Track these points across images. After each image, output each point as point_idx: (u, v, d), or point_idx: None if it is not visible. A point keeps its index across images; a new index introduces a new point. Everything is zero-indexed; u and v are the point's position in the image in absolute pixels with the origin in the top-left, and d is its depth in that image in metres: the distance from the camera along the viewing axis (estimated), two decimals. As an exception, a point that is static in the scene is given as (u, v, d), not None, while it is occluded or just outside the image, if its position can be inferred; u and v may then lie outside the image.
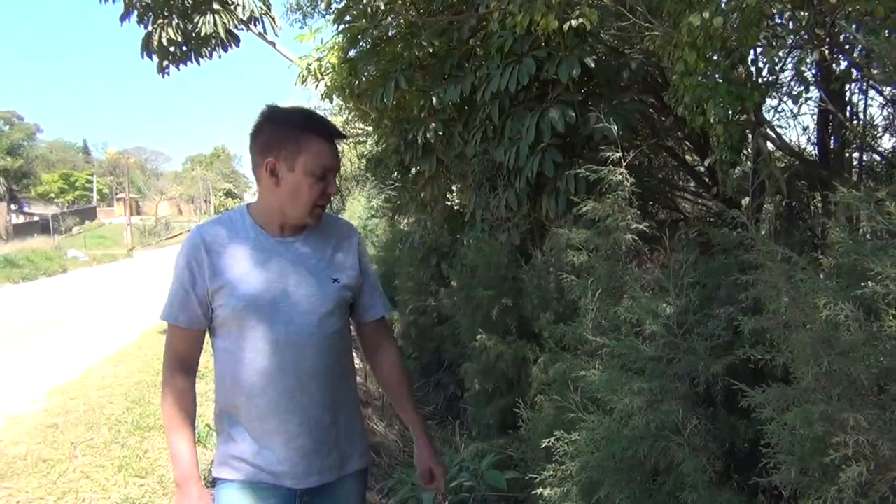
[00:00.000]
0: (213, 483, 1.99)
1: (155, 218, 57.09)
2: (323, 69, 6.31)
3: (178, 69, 8.06)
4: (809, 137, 5.52)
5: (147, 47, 7.89)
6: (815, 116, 5.10)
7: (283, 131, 1.86)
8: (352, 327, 2.12)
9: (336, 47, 6.30)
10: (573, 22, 3.27)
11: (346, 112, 7.99)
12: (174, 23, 7.52)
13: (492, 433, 3.61)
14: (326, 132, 1.87)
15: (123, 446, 5.50)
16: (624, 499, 1.70)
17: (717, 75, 2.94)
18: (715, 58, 2.91)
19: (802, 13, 2.85)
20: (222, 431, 1.96)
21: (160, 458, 5.18)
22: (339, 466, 1.97)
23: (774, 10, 2.74)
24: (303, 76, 6.43)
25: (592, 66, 4.36)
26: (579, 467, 2.08)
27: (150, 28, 7.83)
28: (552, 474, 2.21)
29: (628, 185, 2.87)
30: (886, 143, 5.43)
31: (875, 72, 5.34)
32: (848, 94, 4.77)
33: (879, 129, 5.62)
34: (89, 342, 10.14)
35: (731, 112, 2.93)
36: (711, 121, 2.96)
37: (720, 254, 2.94)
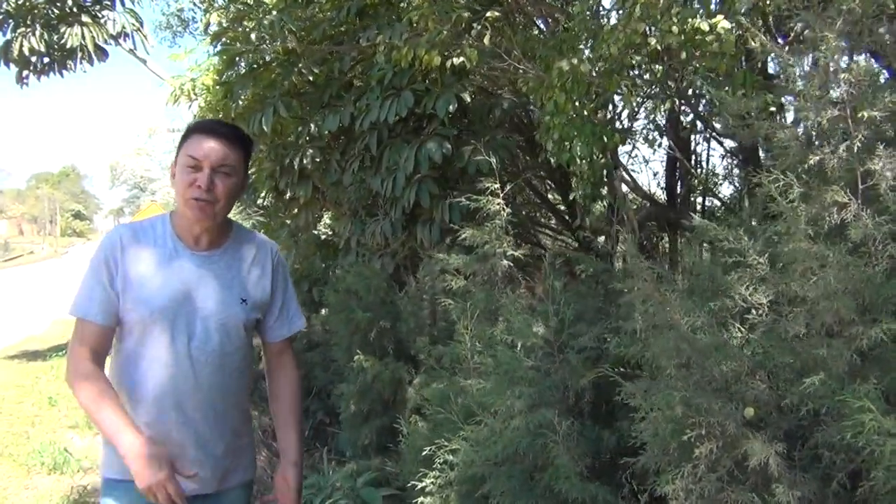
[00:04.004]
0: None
1: (-8, 238, 52.32)
2: (197, 90, 6.21)
3: (39, 80, 7.66)
4: (659, 182, 6.08)
5: (5, 56, 7.38)
6: (664, 163, 5.64)
7: (183, 137, 1.92)
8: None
9: (212, 69, 6.22)
10: (455, 60, 3.48)
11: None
12: (38, 32, 7.15)
13: (367, 454, 3.67)
14: (203, 128, 1.92)
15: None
16: (506, 492, 1.85)
17: (582, 116, 3.22)
18: (582, 101, 3.19)
19: (657, 66, 3.19)
20: None
21: (10, 487, 4.78)
22: (219, 479, 1.97)
23: (633, 62, 3.05)
24: (175, 95, 6.28)
25: (468, 101, 4.61)
26: (460, 473, 2.21)
27: (9, 36, 7.40)
28: (432, 482, 2.32)
29: (504, 214, 3.07)
30: (726, 189, 6.10)
31: (718, 125, 5.99)
32: (693, 144, 5.32)
33: (720, 178, 6.30)
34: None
35: (594, 151, 3.21)
36: (577, 157, 3.23)
37: (584, 281, 3.21)
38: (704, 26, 2.87)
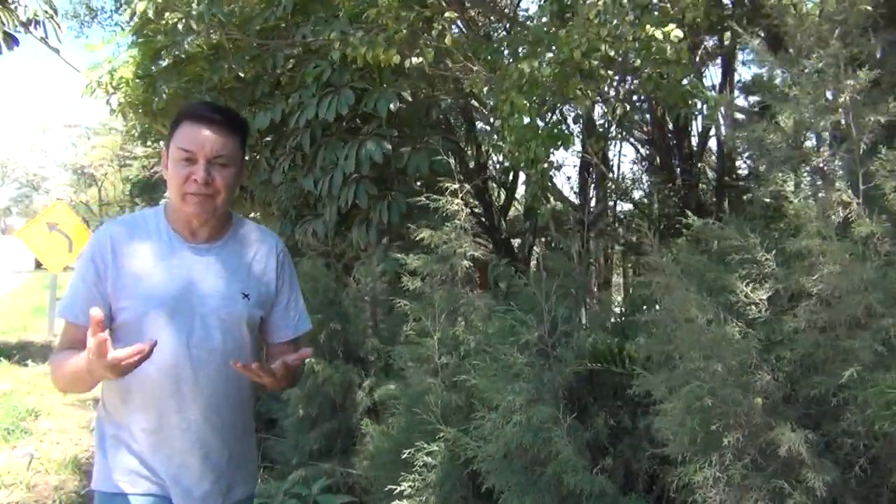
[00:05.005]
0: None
1: None
2: (115, 83, 5.88)
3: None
4: (572, 186, 6.28)
5: None
6: (576, 167, 5.83)
7: (173, 125, 1.77)
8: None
9: (132, 61, 5.92)
10: (413, 59, 3.47)
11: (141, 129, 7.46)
12: (-61, 17, 6.60)
13: (315, 458, 3.58)
14: (194, 114, 1.75)
15: None
16: (513, 486, 1.85)
17: (536, 119, 3.27)
18: (538, 103, 3.25)
19: (610, 71, 3.29)
20: (104, 440, 1.80)
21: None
22: (224, 493, 1.84)
23: (588, 66, 3.12)
24: (91, 87, 5.92)
25: (410, 100, 4.59)
26: (439, 474, 2.20)
27: None
28: (410, 485, 2.29)
29: (464, 214, 3.07)
30: (635, 195, 6.38)
31: (635, 131, 6.20)
32: (606, 150, 5.52)
33: (631, 182, 6.59)
34: None
35: (550, 153, 3.27)
36: (532, 160, 3.27)
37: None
38: (658, 34, 2.98)
